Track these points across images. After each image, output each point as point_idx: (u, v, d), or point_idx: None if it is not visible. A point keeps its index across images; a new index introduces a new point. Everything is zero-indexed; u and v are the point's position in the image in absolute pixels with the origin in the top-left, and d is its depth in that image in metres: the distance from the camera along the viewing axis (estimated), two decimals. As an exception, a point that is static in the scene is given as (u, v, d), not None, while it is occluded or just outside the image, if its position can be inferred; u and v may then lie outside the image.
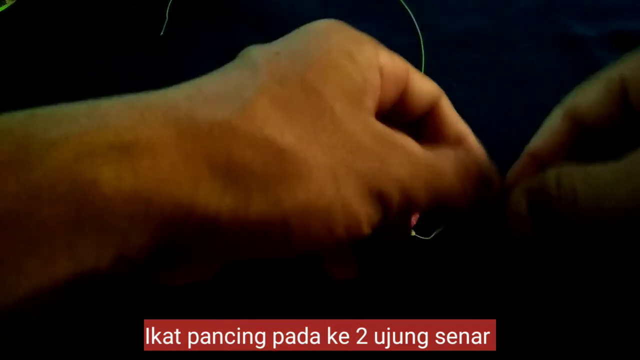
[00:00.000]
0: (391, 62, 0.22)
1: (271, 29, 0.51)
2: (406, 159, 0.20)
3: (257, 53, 0.22)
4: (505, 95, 0.43)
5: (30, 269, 0.16)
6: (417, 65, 0.46)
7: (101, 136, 0.17)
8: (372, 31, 0.50)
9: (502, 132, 0.41)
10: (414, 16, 0.50)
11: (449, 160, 0.22)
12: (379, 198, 0.20)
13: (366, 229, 0.20)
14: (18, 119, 0.17)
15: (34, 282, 0.16)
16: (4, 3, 0.54)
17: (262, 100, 0.19)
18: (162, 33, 0.51)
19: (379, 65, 0.22)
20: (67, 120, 0.17)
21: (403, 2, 0.51)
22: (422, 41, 0.48)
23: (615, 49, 0.46)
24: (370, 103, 0.21)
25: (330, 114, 0.20)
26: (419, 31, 0.48)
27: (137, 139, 0.17)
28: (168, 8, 0.52)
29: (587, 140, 0.24)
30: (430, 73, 0.45)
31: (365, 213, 0.20)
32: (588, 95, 0.24)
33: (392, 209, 0.20)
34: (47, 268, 0.16)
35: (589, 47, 0.47)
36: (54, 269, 0.16)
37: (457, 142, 0.25)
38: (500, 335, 0.25)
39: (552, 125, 0.25)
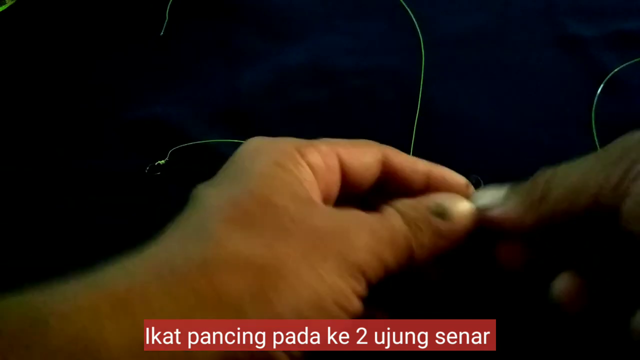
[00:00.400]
0: (320, 157, 0.24)
1: (271, 29, 0.51)
2: (364, 229, 0.23)
3: (204, 192, 0.23)
4: (505, 95, 0.43)
5: None
6: (418, 65, 0.46)
7: (102, 304, 0.19)
8: (373, 31, 0.50)
9: (502, 131, 0.41)
10: (415, 16, 0.50)
11: (397, 217, 0.24)
12: (354, 270, 0.22)
13: (355, 301, 0.22)
14: (28, 299, 0.19)
15: None
16: (4, 3, 0.54)
17: (224, 225, 0.21)
18: (162, 33, 0.51)
19: (309, 164, 0.24)
20: (70, 296, 0.19)
21: (403, 2, 0.51)
22: (422, 41, 0.48)
23: (615, 49, 0.46)
24: (315, 198, 0.23)
25: (287, 215, 0.22)
26: (419, 31, 0.48)
27: (132, 300, 0.19)
28: (168, 8, 0.52)
29: None
30: (430, 73, 0.46)
31: (349, 288, 0.22)
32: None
33: (370, 277, 0.22)
34: None
35: (589, 47, 0.47)
36: None
37: (426, 182, 0.26)
38: (500, 335, 0.25)
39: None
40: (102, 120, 0.43)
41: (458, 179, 0.27)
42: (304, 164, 0.24)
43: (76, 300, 0.19)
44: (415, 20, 0.50)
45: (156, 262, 0.21)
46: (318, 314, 0.21)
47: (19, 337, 0.18)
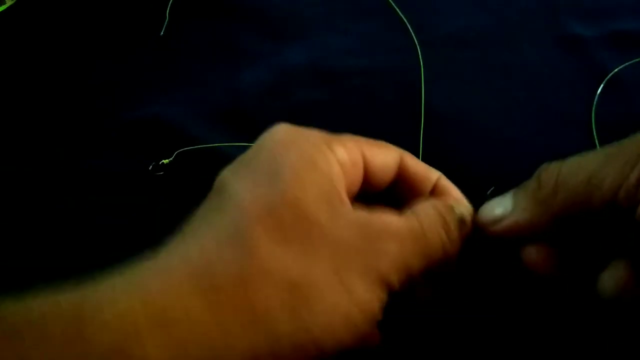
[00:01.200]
0: (346, 153, 0.24)
1: (271, 29, 0.51)
2: (393, 238, 0.23)
3: (234, 186, 0.23)
4: (505, 95, 0.43)
5: None
6: (418, 65, 0.46)
7: (142, 313, 0.20)
8: (373, 31, 0.50)
9: (501, 131, 0.41)
10: (412, 17, 0.50)
11: (429, 217, 0.24)
12: (382, 282, 0.22)
13: (379, 311, 0.23)
14: (69, 300, 0.20)
15: None
16: (4, 3, 0.54)
17: (261, 239, 0.21)
18: (162, 33, 0.51)
19: (337, 160, 0.24)
20: (110, 300, 0.20)
21: (393, 4, 0.51)
22: (416, 41, 0.48)
23: (615, 49, 0.46)
24: (344, 197, 0.23)
25: (318, 227, 0.22)
26: (411, 32, 0.48)
27: (173, 312, 0.20)
28: (168, 8, 0.52)
29: None
30: (430, 73, 0.46)
31: (376, 299, 0.22)
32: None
33: (395, 286, 0.23)
34: None
35: (589, 47, 0.47)
36: None
37: (433, 189, 0.27)
38: (500, 335, 0.25)
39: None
40: (102, 120, 0.43)
41: (461, 197, 0.27)
42: (334, 160, 0.24)
43: (115, 306, 0.19)
44: (411, 20, 0.50)
45: (194, 268, 0.21)
46: (347, 329, 0.22)
47: (59, 345, 0.18)
